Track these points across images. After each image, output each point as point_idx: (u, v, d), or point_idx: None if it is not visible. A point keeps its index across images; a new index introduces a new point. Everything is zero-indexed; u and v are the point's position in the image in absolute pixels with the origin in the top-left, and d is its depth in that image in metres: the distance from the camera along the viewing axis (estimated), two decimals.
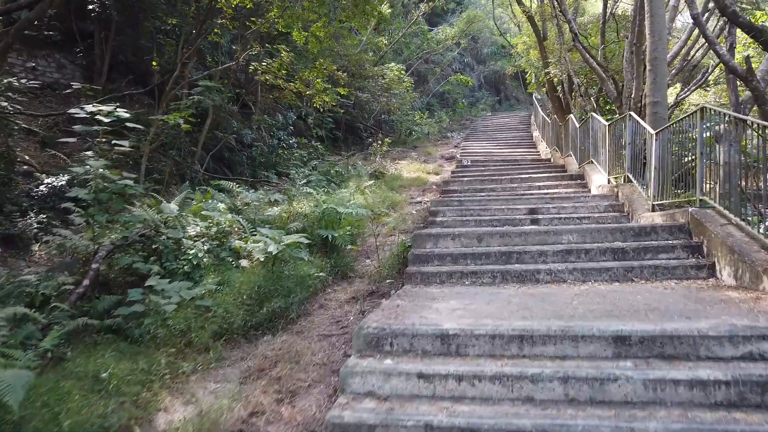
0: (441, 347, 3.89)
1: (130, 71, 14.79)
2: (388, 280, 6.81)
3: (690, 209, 6.57)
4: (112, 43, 13.71)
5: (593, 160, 11.97)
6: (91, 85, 14.01)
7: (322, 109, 14.09)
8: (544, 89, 19.45)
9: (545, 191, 11.47)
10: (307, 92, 12.93)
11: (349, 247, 7.59)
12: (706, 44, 12.89)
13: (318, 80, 12.85)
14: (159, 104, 12.22)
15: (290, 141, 16.51)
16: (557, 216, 8.94)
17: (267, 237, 6.16)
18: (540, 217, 8.95)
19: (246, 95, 17.68)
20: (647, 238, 6.65)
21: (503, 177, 13.22)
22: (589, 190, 11.24)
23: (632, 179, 9.31)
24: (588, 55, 11.14)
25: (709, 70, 13.91)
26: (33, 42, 13.91)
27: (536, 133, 21.22)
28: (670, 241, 6.45)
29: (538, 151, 18.83)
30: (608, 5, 14.41)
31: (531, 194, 11.22)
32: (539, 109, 20.87)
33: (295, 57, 12.80)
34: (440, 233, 7.11)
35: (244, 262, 6.26)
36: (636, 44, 10.27)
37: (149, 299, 5.37)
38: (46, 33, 14.18)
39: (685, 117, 7.21)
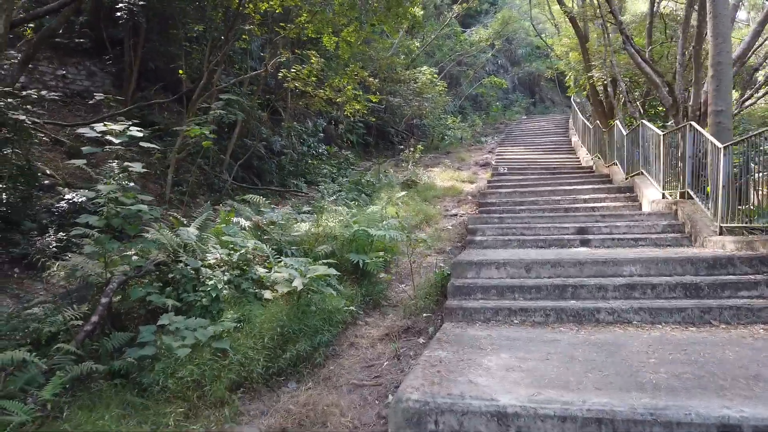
0: (498, 430, 3.15)
1: (159, 79, 14.40)
2: (425, 314, 6.09)
3: None
4: (141, 50, 13.32)
5: (644, 172, 11.01)
6: (120, 92, 13.71)
7: (353, 117, 13.45)
8: (584, 93, 18.42)
9: (592, 204, 10.57)
10: (338, 99, 12.29)
11: (382, 275, 6.89)
12: None
13: (349, 87, 12.21)
14: (187, 113, 11.76)
15: (320, 148, 15.93)
16: (609, 236, 8.08)
17: (292, 268, 5.51)
18: (590, 237, 8.10)
19: (276, 101, 17.19)
20: (723, 270, 5.76)
21: (544, 188, 12.34)
22: (640, 205, 10.31)
23: (693, 196, 8.38)
24: (640, 59, 10.20)
25: None
26: (63, 50, 13.62)
27: (575, 139, 20.17)
28: (751, 276, 5.56)
29: (578, 158, 17.82)
30: (655, 3, 13.37)
31: (577, 209, 10.35)
32: (578, 113, 19.83)
33: (325, 63, 12.19)
34: (483, 261, 6.34)
35: (267, 294, 5.63)
36: (696, 47, 9.30)
37: (161, 340, 4.78)
38: (76, 41, 13.89)
39: (766, 129, 6.29)
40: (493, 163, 17.99)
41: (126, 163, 5.32)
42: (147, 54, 13.63)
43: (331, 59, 12.27)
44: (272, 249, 7.16)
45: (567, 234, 8.42)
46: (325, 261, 6.40)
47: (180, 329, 4.92)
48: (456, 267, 6.36)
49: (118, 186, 5.27)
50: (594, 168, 15.42)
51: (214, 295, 5.46)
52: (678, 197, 9.28)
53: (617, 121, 13.33)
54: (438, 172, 16.80)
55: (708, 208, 7.74)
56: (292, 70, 12.22)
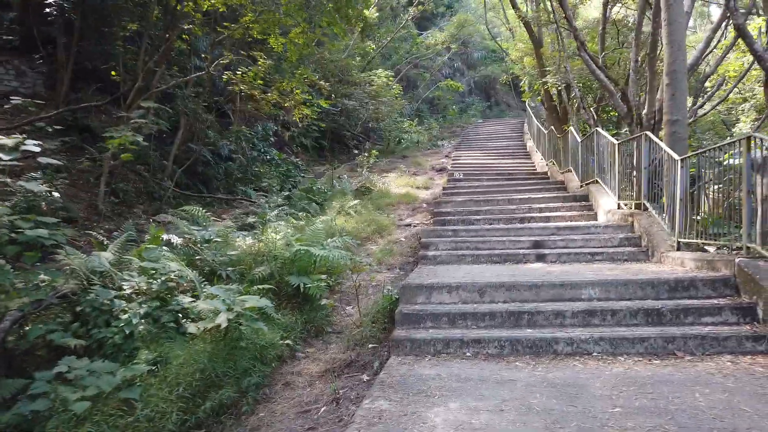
0: None
1: (97, 79, 13.35)
2: (370, 344, 5.50)
3: (737, 260, 5.31)
4: (75, 48, 12.28)
5: (599, 180, 10.73)
6: (53, 93, 12.62)
7: (301, 122, 12.76)
8: (539, 98, 18.23)
9: (547, 214, 10.22)
10: (286, 103, 11.59)
11: (324, 301, 6.24)
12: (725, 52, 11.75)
13: (297, 91, 11.52)
14: (122, 117, 10.83)
15: (271, 153, 15.15)
16: (566, 250, 7.69)
17: (219, 299, 4.82)
18: (546, 252, 7.68)
19: (225, 104, 16.33)
20: (685, 293, 5.38)
21: (499, 195, 11.95)
22: (596, 215, 10.00)
23: (649, 208, 8.08)
24: (594, 66, 9.89)
25: (725, 82, 12.74)
26: None
27: (530, 143, 20.01)
28: (714, 300, 5.19)
29: (533, 163, 17.60)
30: (607, 9, 13.19)
31: (532, 218, 9.98)
32: (533, 117, 19.65)
33: (273, 65, 11.46)
34: (434, 284, 5.79)
35: (191, 328, 4.93)
36: (650, 54, 9.04)
37: (57, 391, 4.04)
38: (4, 38, 12.77)
39: (724, 144, 5.97)
40: (449, 168, 17.59)
41: (20, 182, 4.53)
42: (82, 53, 12.61)
43: (281, 61, 11.54)
44: (206, 271, 6.46)
45: (522, 248, 7.99)
46: (261, 287, 5.74)
47: (82, 376, 4.18)
48: (405, 291, 5.79)
49: (8, 209, 4.48)
50: (549, 174, 15.18)
51: (127, 332, 4.73)
52: (633, 207, 9.00)
53: (571, 128, 13.09)
54: (393, 178, 16.27)
55: (665, 221, 7.43)
56: (238, 72, 11.45)
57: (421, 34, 27.89)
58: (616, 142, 9.39)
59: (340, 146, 21.84)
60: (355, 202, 11.98)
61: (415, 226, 11.00)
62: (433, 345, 4.94)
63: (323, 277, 6.29)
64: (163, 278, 5.16)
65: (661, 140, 8.19)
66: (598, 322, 5.09)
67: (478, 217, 10.47)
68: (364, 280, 7.50)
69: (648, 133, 8.11)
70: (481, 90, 33.60)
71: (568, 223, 8.97)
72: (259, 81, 11.16)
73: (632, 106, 9.50)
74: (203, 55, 11.85)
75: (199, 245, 6.86)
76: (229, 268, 6.49)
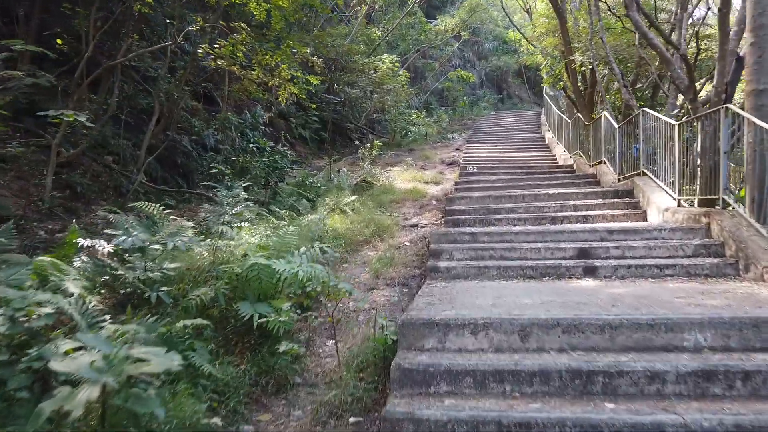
0: None
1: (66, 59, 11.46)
2: (352, 417, 3.48)
3: None
4: (36, 22, 10.35)
5: (646, 172, 8.63)
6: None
7: (286, 102, 10.72)
8: (560, 84, 16.11)
9: (584, 213, 8.15)
10: (271, 82, 9.58)
11: (283, 346, 4.13)
12: None
13: (284, 66, 9.50)
14: (71, 95, 8.88)
15: (258, 143, 13.14)
16: (624, 262, 5.61)
17: (96, 352, 2.82)
18: (598, 263, 5.62)
19: (215, 89, 14.39)
20: None
21: (522, 191, 9.88)
22: (645, 214, 7.91)
23: (733, 205, 5.99)
24: (647, 29, 7.79)
25: None
26: None
27: (549, 135, 17.85)
28: None
29: (555, 156, 15.47)
30: None
31: (566, 218, 7.92)
32: (553, 106, 17.51)
33: (255, 37, 9.45)
34: (450, 321, 3.72)
35: (64, 391, 2.93)
36: (721, 9, 6.93)
37: None
38: None
39: None
40: (461, 161, 15.51)
41: None
42: (46, 27, 10.69)
43: (263, 30, 9.55)
44: (127, 293, 4.47)
45: (564, 257, 5.93)
46: (192, 322, 3.74)
47: None
48: (407, 330, 3.74)
49: None
50: (575, 167, 13.07)
51: None
52: (698, 205, 6.92)
53: (605, 112, 10.98)
54: (398, 172, 14.22)
55: (761, 224, 5.35)
56: (216, 46, 9.46)
57: (430, 21, 25.74)
58: (675, 122, 7.30)
59: (342, 139, 19.79)
60: (352, 198, 9.96)
61: (422, 227, 8.96)
62: None
63: (287, 305, 4.24)
64: (17, 314, 3.16)
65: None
66: (722, 391, 3.04)
67: (498, 217, 8.41)
68: (353, 303, 5.49)
69: (731, 105, 6.01)
70: (493, 82, 31.40)
71: (623, 225, 6.88)
72: (239, 54, 9.15)
73: (694, 78, 7.40)
74: (168, 21, 9.84)
75: (128, 255, 4.88)
76: (163, 289, 4.49)
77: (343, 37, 19.06)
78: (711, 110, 6.57)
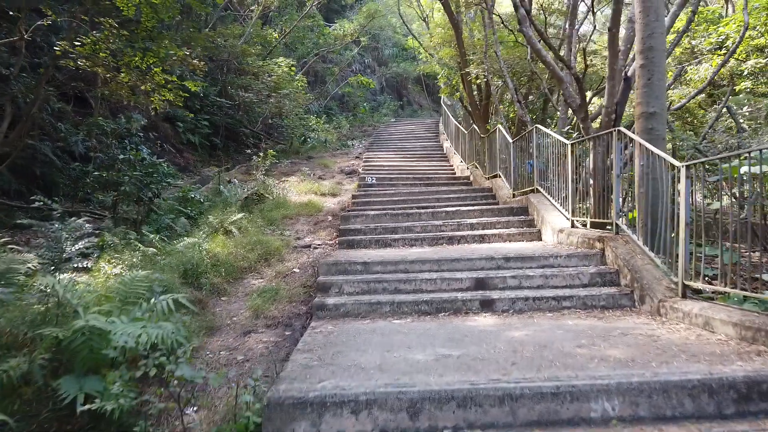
0: None
1: None
2: None
3: None
4: None
5: (540, 190, 8.51)
6: None
7: (157, 110, 9.51)
8: (457, 94, 16.04)
9: (481, 232, 7.86)
10: (144, 86, 8.38)
11: None
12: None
13: (156, 69, 8.34)
14: None
15: (130, 153, 11.71)
16: (521, 294, 5.24)
17: None
18: (495, 296, 5.20)
19: (87, 89, 12.69)
20: (764, 404, 3.03)
21: (420, 208, 9.47)
22: (540, 234, 7.76)
23: (626, 230, 5.84)
24: (540, 46, 7.60)
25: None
26: None
27: (447, 144, 17.81)
28: None
29: (452, 166, 15.36)
30: None
31: (464, 238, 7.60)
32: (450, 116, 17.46)
33: (128, 36, 8.19)
34: (326, 397, 2.99)
35: None
36: (611, 29, 6.85)
37: None
38: None
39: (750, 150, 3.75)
40: (360, 171, 14.95)
41: None
42: None
43: (134, 30, 8.32)
44: None
45: (461, 289, 5.47)
46: None
47: None
48: (274, 412, 2.99)
49: None
50: (471, 179, 12.95)
51: None
52: (590, 226, 6.80)
53: (500, 126, 10.88)
54: (295, 182, 13.38)
55: (655, 254, 5.19)
56: (77, 43, 8.09)
57: (330, 25, 25.01)
58: (568, 142, 7.15)
59: (237, 145, 18.50)
60: (239, 216, 8.99)
61: (316, 248, 8.23)
62: None
63: (124, 379, 3.33)
64: None
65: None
66: None
67: (396, 237, 7.90)
68: (224, 353, 4.65)
69: (622, 129, 5.86)
70: (393, 89, 31.27)
71: (519, 250, 6.55)
72: (102, 54, 7.87)
73: (585, 97, 7.30)
74: (12, 14, 8.33)
75: None
76: None
77: (236, 37, 17.82)
78: (603, 132, 6.43)
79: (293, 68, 17.81)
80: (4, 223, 8.92)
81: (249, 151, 15.10)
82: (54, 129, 11.52)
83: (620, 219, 6.00)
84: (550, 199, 7.97)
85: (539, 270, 5.70)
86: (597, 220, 6.80)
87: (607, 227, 6.41)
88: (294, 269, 7.03)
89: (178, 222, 8.62)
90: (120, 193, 8.32)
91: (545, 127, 10.62)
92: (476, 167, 13.00)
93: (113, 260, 6.55)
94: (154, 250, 6.73)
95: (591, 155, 7.14)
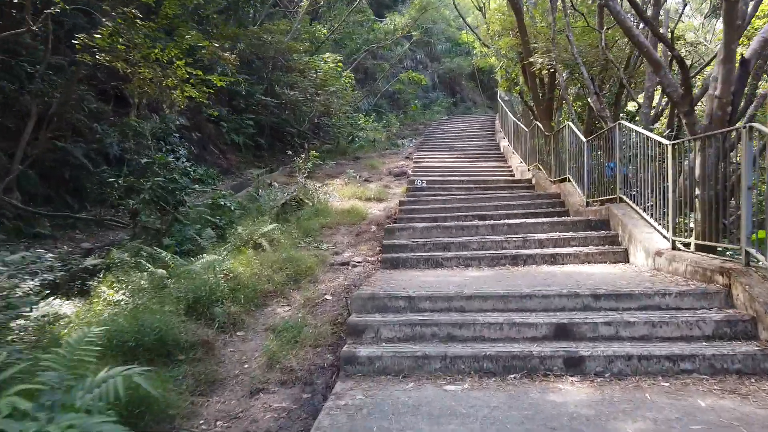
0: None
1: None
2: None
3: None
4: None
5: (625, 199, 6.93)
6: None
7: (181, 107, 8.50)
8: (516, 88, 14.43)
9: (552, 251, 6.41)
10: (166, 82, 7.40)
11: None
12: None
13: (179, 62, 7.34)
14: None
15: (154, 157, 10.86)
16: (620, 349, 3.77)
17: None
18: (584, 352, 3.76)
19: (126, 88, 12.01)
20: None
21: (478, 218, 8.08)
22: (627, 254, 6.22)
23: (765, 262, 4.27)
24: (632, 24, 6.05)
25: None
26: None
27: (504, 143, 16.19)
28: None
29: (511, 168, 13.78)
30: None
31: (531, 258, 6.24)
32: (508, 113, 15.84)
33: (148, 25, 7.22)
34: None
35: None
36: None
37: None
38: None
39: None
40: (410, 172, 13.63)
41: None
42: None
43: (154, 20, 7.33)
44: None
45: (536, 339, 4.06)
46: None
47: None
48: None
49: None
50: (534, 182, 11.37)
51: None
52: (694, 248, 5.23)
53: (569, 123, 9.29)
54: (339, 186, 12.21)
55: None
56: (96, 35, 7.19)
57: (381, 21, 23.77)
58: (667, 142, 5.58)
59: (283, 145, 17.57)
60: (271, 227, 7.87)
61: (355, 266, 6.99)
62: None
63: None
64: None
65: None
66: None
67: (448, 255, 6.55)
68: (223, 418, 3.48)
69: (757, 125, 4.27)
70: (446, 85, 29.69)
71: (603, 277, 5.05)
72: (120, 46, 6.92)
73: (691, 86, 5.70)
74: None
75: None
76: None
77: (283, 33, 16.87)
78: (723, 130, 4.85)
79: (340, 64, 16.66)
80: (23, 233, 8.18)
81: (290, 152, 14.00)
82: (89, 130, 10.84)
83: (751, 246, 4.41)
84: (640, 211, 6.39)
85: (641, 313, 4.21)
86: (705, 242, 5.22)
87: (721, 251, 4.84)
88: (326, 296, 5.79)
89: (204, 233, 7.58)
90: (139, 201, 7.36)
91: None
92: (539, 169, 11.41)
93: (117, 283, 5.55)
94: (164, 272, 5.67)
95: (697, 159, 5.54)
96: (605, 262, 6.27)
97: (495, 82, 27.76)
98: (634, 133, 6.65)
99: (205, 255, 6.36)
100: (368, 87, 23.67)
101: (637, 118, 10.13)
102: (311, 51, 18.47)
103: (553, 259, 6.35)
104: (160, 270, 5.69)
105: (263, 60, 17.48)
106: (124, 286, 5.52)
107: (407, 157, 16.19)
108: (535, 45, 10.46)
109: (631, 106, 13.13)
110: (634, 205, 6.65)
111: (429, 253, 6.68)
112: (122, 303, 5.11)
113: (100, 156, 10.85)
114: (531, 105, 13.73)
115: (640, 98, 9.83)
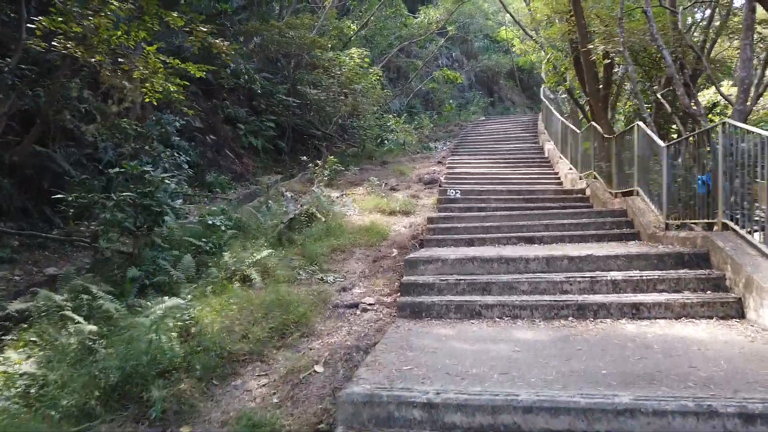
0: None
1: None
2: None
3: None
4: None
5: (734, 227, 4.95)
6: None
7: (150, 101, 6.81)
8: (565, 84, 12.40)
9: (634, 298, 4.53)
10: (135, 74, 5.84)
11: None
12: None
13: (150, 48, 5.75)
14: None
15: (124, 166, 9.37)
16: None
17: None
18: None
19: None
20: None
21: (522, 243, 6.25)
22: (741, 306, 4.28)
23: None
24: None
25: None
26: None
27: (549, 146, 14.11)
28: None
29: (558, 175, 11.76)
30: None
31: (608, 309, 4.40)
32: (555, 112, 13.77)
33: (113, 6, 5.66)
34: None
35: None
36: None
37: None
38: None
39: None
40: (442, 180, 11.81)
41: None
42: None
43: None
44: None
45: None
46: None
47: None
48: None
49: None
50: (589, 193, 9.38)
51: None
52: None
53: (640, 123, 7.29)
54: (360, 195, 10.52)
55: None
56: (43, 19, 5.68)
57: (414, 17, 21.94)
58: None
59: (306, 149, 16.00)
60: (266, 253, 6.21)
61: (365, 311, 5.26)
62: None
63: None
64: None
65: None
66: None
67: (488, 301, 4.74)
68: None
69: None
70: (483, 84, 27.58)
71: (757, 379, 3.13)
72: (76, 28, 5.39)
73: None
74: None
75: None
76: None
77: (308, 28, 15.30)
78: None
79: (367, 59, 14.94)
80: None
81: (304, 157, 12.36)
82: (82, 133, 9.46)
83: None
84: (763, 248, 4.41)
85: None
86: None
87: None
88: (317, 366, 4.06)
89: (182, 262, 5.98)
90: (100, 221, 5.81)
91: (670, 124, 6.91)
92: (596, 178, 9.40)
93: (34, 345, 3.98)
94: (95, 328, 4.06)
95: None
96: (711, 317, 4.35)
97: (535, 80, 25.59)
98: (750, 136, 4.67)
99: (166, 298, 4.74)
100: (400, 86, 21.89)
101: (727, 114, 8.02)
102: (339, 47, 16.85)
103: (636, 311, 4.46)
104: (90, 326, 4.08)
105: (288, 58, 15.97)
106: (42, 346, 3.96)
107: (440, 162, 14.34)
108: (595, 30, 8.46)
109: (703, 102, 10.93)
110: (748, 236, 4.67)
111: (462, 298, 4.88)
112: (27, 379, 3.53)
113: (95, 162, 9.48)
114: (581, 103, 11.70)
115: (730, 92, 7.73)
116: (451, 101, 23.25)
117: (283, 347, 4.50)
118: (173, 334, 4.20)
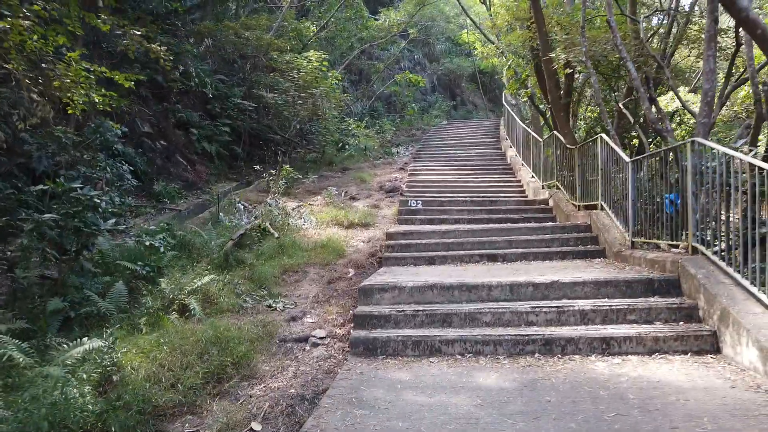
0: None
1: None
2: None
3: None
4: None
5: (708, 254, 4.65)
6: None
7: (83, 112, 6.10)
8: (526, 91, 12.14)
9: (603, 330, 4.18)
10: (56, 82, 5.14)
11: None
12: None
13: (71, 54, 5.06)
14: None
15: (121, 169, 8.59)
16: None
17: None
18: None
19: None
20: None
21: (485, 261, 5.87)
22: (716, 340, 3.98)
23: None
24: None
25: None
26: None
27: (511, 153, 13.87)
28: None
29: (521, 183, 11.50)
30: None
31: (576, 345, 4.02)
32: (516, 119, 13.52)
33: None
34: None
35: None
36: None
37: None
38: None
39: None
40: (404, 188, 11.38)
41: None
42: None
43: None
44: None
45: None
46: None
47: None
48: None
49: None
50: (552, 205, 9.11)
51: None
52: None
53: (603, 135, 7.01)
54: (319, 206, 9.97)
55: None
56: None
57: (377, 18, 21.44)
58: None
59: (264, 154, 15.32)
60: (208, 279, 5.61)
61: (315, 346, 4.74)
62: None
63: None
64: None
65: None
66: None
67: (449, 336, 4.31)
68: None
69: None
70: (445, 87, 27.33)
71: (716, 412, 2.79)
72: None
73: None
74: None
75: None
76: None
77: (264, 29, 14.64)
78: None
79: (326, 62, 14.37)
80: None
81: (257, 167, 11.73)
82: (19, 141, 8.57)
83: None
84: (738, 276, 4.12)
85: None
86: None
87: None
88: (253, 424, 3.51)
89: (113, 289, 5.32)
90: (17, 247, 5.10)
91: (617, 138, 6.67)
92: (559, 188, 9.14)
93: None
94: None
95: None
96: (685, 353, 4.03)
97: (498, 84, 25.48)
98: (718, 155, 4.37)
99: (86, 340, 4.10)
100: (362, 89, 21.37)
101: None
102: (298, 49, 16.20)
103: (606, 346, 4.11)
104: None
105: (244, 59, 15.23)
106: None
107: (402, 168, 13.90)
108: (556, 38, 8.17)
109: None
110: (724, 265, 4.37)
111: (421, 332, 4.42)
112: None
113: (27, 173, 8.61)
114: (543, 110, 11.47)
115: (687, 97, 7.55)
116: (413, 104, 22.87)
117: (219, 395, 3.94)
118: (87, 387, 3.58)
